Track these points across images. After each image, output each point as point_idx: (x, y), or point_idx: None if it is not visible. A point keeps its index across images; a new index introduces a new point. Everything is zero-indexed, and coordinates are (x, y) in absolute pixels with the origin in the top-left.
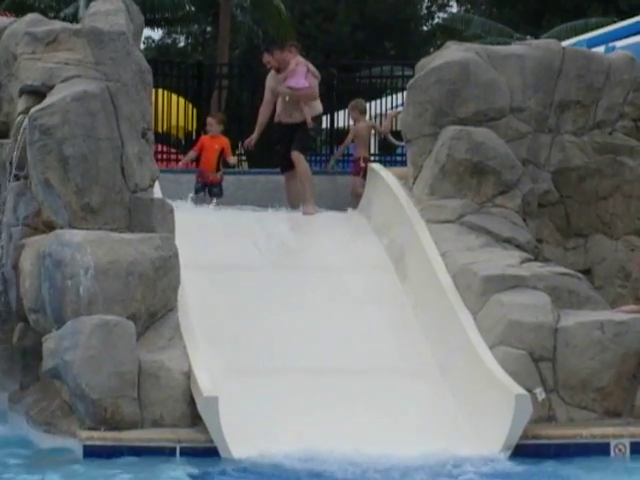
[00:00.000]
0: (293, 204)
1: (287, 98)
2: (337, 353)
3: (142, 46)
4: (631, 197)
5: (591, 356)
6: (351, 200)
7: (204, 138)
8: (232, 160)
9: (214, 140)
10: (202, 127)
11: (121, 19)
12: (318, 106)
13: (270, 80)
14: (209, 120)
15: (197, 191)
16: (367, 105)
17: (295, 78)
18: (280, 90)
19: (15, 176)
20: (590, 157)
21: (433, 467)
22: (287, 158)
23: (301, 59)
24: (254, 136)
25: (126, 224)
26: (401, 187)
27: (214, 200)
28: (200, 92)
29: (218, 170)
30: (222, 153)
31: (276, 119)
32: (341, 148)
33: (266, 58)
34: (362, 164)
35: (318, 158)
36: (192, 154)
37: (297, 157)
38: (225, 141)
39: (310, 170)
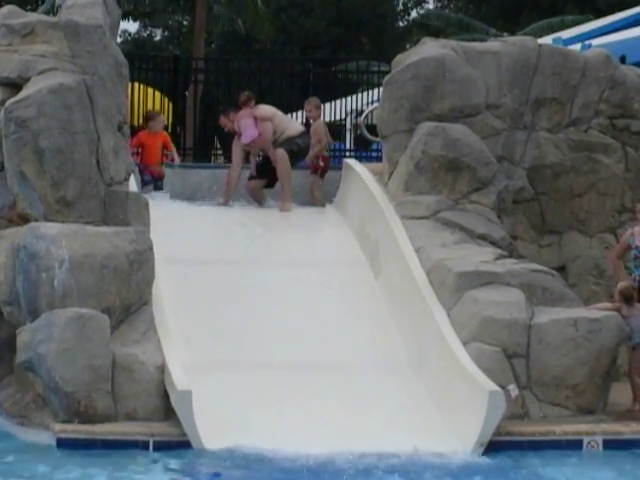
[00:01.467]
0: (256, 199)
1: (253, 155)
2: (311, 348)
3: (118, 39)
4: (606, 195)
5: (565, 353)
6: (310, 199)
7: (143, 134)
8: (177, 159)
9: (156, 136)
10: (178, 121)
11: (98, 12)
12: (290, 130)
13: (235, 147)
14: (157, 117)
15: (146, 184)
16: (343, 100)
17: (244, 134)
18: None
19: None
20: (565, 154)
21: (406, 463)
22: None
23: (244, 112)
24: (223, 200)
25: (101, 217)
26: (376, 183)
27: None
28: (176, 86)
29: (162, 164)
30: (164, 148)
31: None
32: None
33: (222, 121)
34: (320, 163)
35: None
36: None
37: (281, 155)
38: (166, 136)
39: (290, 169)
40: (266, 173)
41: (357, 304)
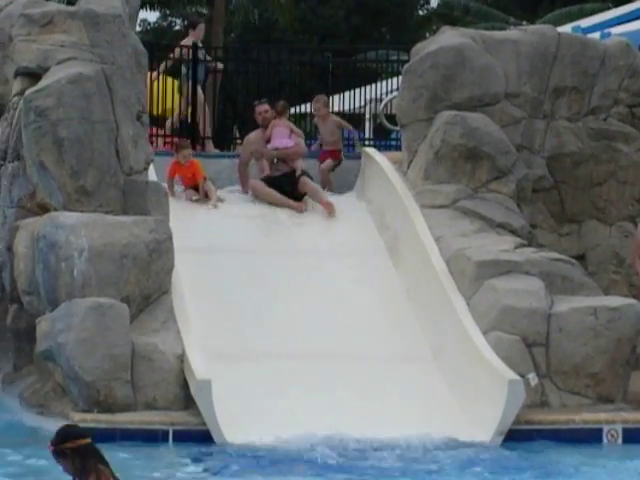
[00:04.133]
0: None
1: (275, 160)
2: (330, 338)
3: (138, 29)
4: (625, 183)
5: (584, 342)
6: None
7: (176, 165)
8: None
9: (186, 168)
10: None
11: (117, 1)
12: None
13: (252, 140)
14: (182, 149)
15: None
16: (362, 89)
17: (279, 139)
18: (265, 152)
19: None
20: (585, 143)
21: (426, 452)
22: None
23: (281, 121)
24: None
25: (120, 207)
26: (395, 172)
27: None
28: (195, 75)
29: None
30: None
31: (263, 175)
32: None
33: (263, 108)
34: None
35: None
36: None
37: (306, 180)
38: (196, 165)
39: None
40: (282, 188)
41: (376, 293)
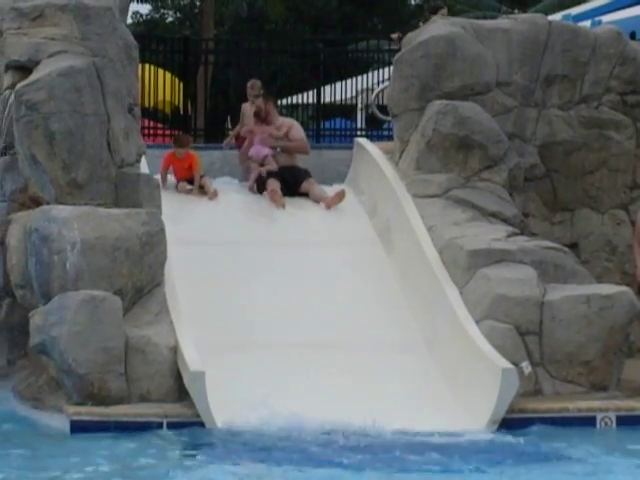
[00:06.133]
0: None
1: (278, 149)
2: (323, 327)
3: (130, 21)
4: (617, 171)
5: (577, 330)
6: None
7: (171, 156)
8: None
9: (183, 159)
10: (188, 102)
11: None
12: None
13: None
14: (182, 142)
15: None
16: (354, 80)
17: (257, 147)
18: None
19: (2, 152)
20: (576, 131)
21: (419, 441)
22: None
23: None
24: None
25: (112, 199)
26: (387, 162)
27: None
28: (187, 67)
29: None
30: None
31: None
32: None
33: (260, 102)
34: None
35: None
36: None
37: (311, 182)
38: (192, 158)
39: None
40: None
41: (369, 283)
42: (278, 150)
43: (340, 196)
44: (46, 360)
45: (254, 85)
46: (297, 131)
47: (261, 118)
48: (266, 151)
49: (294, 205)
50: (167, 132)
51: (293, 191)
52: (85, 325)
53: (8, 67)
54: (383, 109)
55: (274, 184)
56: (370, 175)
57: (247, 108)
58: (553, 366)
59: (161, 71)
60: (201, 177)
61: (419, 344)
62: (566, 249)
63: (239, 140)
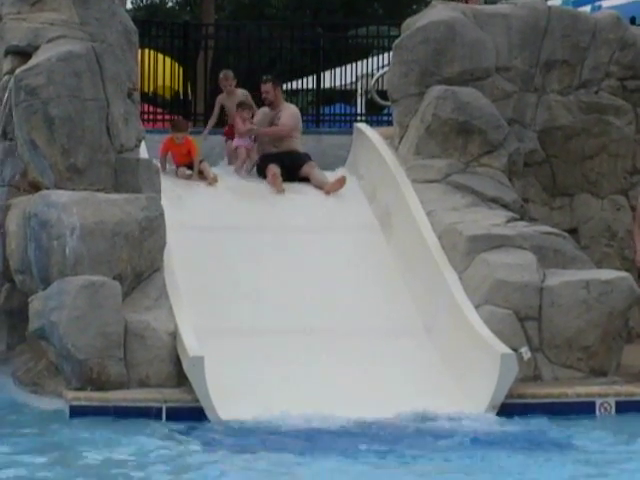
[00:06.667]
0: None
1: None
2: (323, 313)
3: (130, 6)
4: (617, 156)
5: (576, 315)
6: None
7: (169, 141)
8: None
9: (181, 145)
10: (188, 87)
11: None
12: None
13: (261, 115)
14: (180, 126)
15: None
16: (354, 65)
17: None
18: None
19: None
20: (576, 116)
21: (419, 426)
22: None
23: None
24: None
25: (112, 184)
26: (387, 147)
27: None
28: (187, 52)
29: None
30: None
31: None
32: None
33: (264, 88)
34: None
35: (305, 118)
36: None
37: (312, 166)
38: (191, 143)
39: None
40: (283, 163)
41: (369, 268)
42: (252, 137)
43: (341, 182)
44: (45, 345)
45: (227, 76)
46: (285, 117)
47: (268, 103)
48: (247, 143)
49: (294, 190)
50: (167, 117)
51: (293, 175)
52: (84, 310)
53: (7, 52)
54: (383, 94)
55: (274, 169)
56: (370, 160)
57: (223, 99)
58: (552, 351)
59: (161, 56)
60: (200, 162)
61: (418, 329)
62: (565, 234)
63: (229, 131)
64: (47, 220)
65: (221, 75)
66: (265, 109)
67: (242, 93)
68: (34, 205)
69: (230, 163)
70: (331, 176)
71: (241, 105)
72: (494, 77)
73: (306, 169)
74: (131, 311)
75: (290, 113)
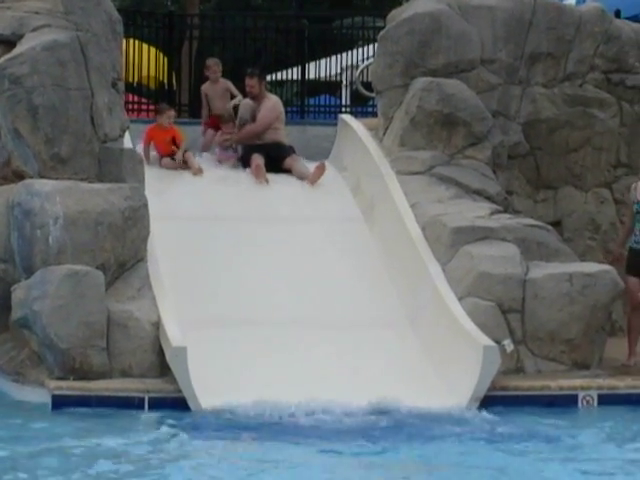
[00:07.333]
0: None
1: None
2: (306, 304)
3: None
4: (601, 149)
5: (559, 308)
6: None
7: (152, 129)
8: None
9: (165, 131)
10: (173, 77)
11: None
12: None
13: (244, 107)
14: (163, 112)
15: None
16: (339, 56)
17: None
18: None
19: None
20: (560, 109)
21: (401, 418)
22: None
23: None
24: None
25: (96, 174)
26: (371, 138)
27: None
28: (171, 42)
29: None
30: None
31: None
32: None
33: (249, 83)
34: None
35: (290, 109)
36: None
37: (295, 159)
38: (175, 131)
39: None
40: (268, 154)
41: (353, 260)
42: (234, 146)
43: (321, 169)
44: (28, 334)
45: (215, 62)
46: (263, 111)
47: (252, 97)
48: (230, 154)
49: (278, 181)
50: (151, 107)
51: (277, 167)
52: (67, 299)
53: None
54: (368, 86)
55: (258, 159)
56: (354, 152)
57: (207, 88)
58: (535, 344)
59: (146, 46)
60: (185, 152)
61: (401, 321)
62: (549, 227)
63: (211, 122)
64: (30, 209)
65: (209, 62)
66: (249, 101)
67: (225, 83)
68: (17, 194)
69: (204, 151)
70: (313, 167)
71: (223, 120)
72: (479, 69)
73: (289, 162)
74: (114, 301)
75: (268, 107)
